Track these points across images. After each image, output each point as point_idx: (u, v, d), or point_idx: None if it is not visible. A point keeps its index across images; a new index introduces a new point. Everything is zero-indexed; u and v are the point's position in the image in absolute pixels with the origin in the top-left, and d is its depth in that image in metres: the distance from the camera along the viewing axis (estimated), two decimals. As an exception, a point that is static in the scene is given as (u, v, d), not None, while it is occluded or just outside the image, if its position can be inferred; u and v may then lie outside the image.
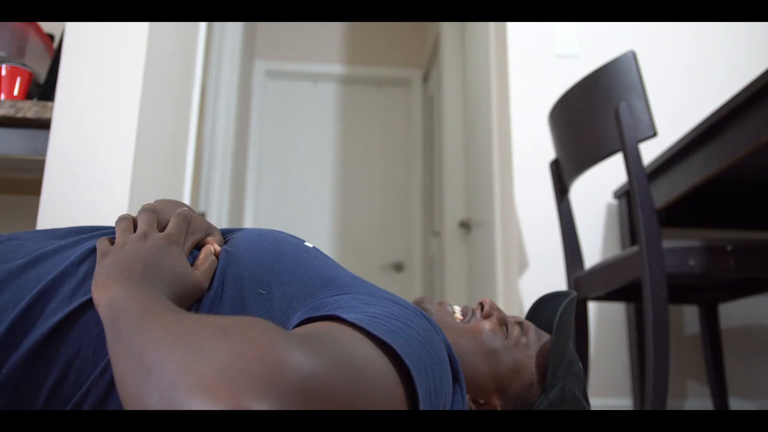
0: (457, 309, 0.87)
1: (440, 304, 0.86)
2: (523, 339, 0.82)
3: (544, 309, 0.92)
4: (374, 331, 0.56)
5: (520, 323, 0.84)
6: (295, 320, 0.64)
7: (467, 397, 0.77)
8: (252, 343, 0.45)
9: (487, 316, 0.84)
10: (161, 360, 0.46)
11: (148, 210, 0.74)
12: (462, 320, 0.85)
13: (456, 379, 0.70)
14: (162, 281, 0.66)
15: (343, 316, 0.58)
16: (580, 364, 0.82)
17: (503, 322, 0.83)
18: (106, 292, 0.62)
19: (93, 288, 0.65)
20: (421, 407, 0.55)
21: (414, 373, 0.55)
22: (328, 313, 0.60)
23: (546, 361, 0.80)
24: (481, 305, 0.86)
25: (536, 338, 0.83)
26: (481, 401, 0.79)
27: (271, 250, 0.74)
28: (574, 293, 0.83)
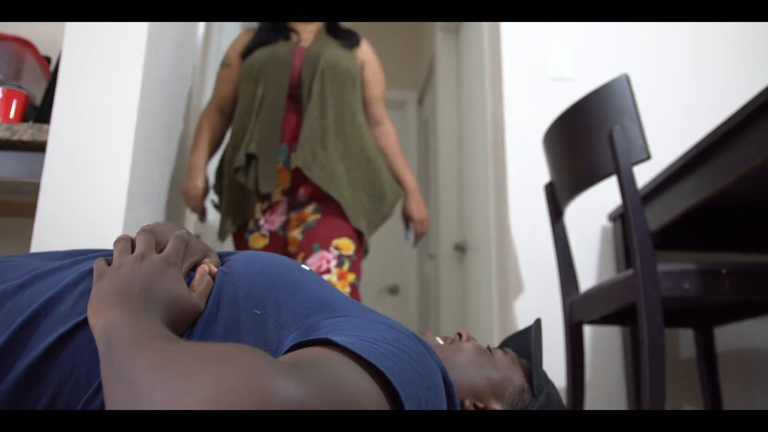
0: (438, 338, 0.90)
1: (423, 334, 0.88)
2: (507, 357, 0.87)
3: (513, 344, 0.97)
4: (365, 356, 0.55)
5: (498, 347, 0.90)
6: (288, 342, 0.64)
7: (468, 401, 0.80)
8: (239, 372, 0.45)
9: (466, 341, 0.88)
10: (150, 390, 0.46)
11: (147, 231, 0.74)
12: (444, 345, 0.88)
13: (451, 403, 0.69)
14: (158, 304, 0.65)
15: (335, 339, 0.58)
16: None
17: (484, 347, 0.88)
18: (102, 317, 0.62)
19: (89, 311, 0.64)
20: None
21: (404, 399, 0.55)
22: (321, 336, 0.60)
23: (529, 373, 0.86)
24: (459, 335, 0.89)
25: (516, 357, 0.88)
26: (481, 405, 0.81)
27: (267, 270, 0.74)
28: (539, 319, 0.89)
